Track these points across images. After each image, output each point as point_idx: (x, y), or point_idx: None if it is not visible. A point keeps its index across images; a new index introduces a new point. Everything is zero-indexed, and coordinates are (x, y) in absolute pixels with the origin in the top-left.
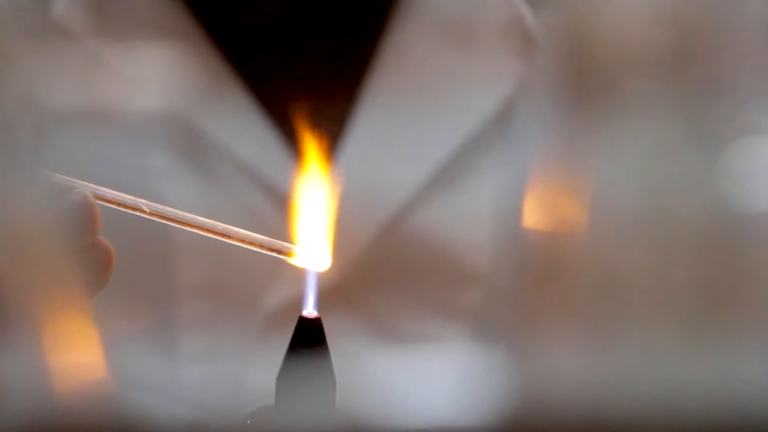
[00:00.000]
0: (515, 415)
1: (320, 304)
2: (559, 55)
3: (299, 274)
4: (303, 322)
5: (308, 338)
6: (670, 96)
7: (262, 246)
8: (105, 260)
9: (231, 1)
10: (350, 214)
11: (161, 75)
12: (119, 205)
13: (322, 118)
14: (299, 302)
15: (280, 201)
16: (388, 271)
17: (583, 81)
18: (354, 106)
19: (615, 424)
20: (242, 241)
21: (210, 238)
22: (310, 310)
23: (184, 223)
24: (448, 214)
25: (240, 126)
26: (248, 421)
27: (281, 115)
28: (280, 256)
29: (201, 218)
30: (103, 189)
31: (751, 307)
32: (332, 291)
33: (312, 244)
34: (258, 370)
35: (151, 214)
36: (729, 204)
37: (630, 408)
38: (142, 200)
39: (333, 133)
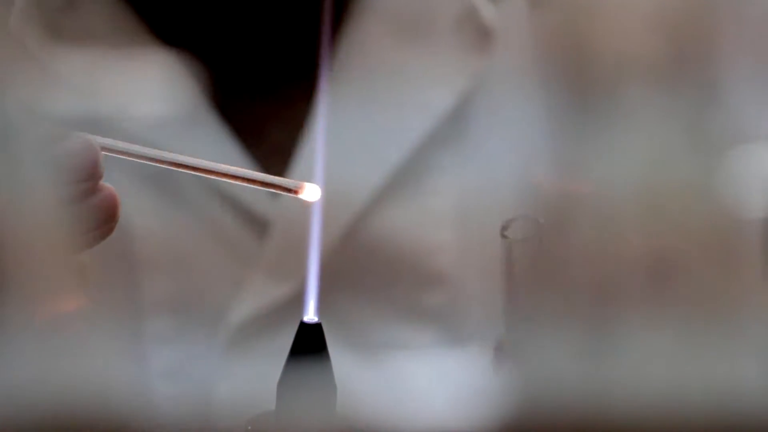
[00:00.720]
0: (510, 420)
1: (284, 311)
2: (557, 60)
3: (263, 286)
4: (303, 328)
5: (309, 344)
6: (668, 102)
7: (263, 183)
8: (108, 207)
9: (183, 13)
10: (311, 219)
11: (119, 92)
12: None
13: (281, 121)
14: (264, 315)
15: (247, 220)
16: (352, 275)
17: (581, 87)
18: (312, 108)
19: (609, 428)
20: (241, 179)
21: (173, 252)
22: (310, 317)
23: (177, 165)
24: (410, 214)
25: (204, 142)
26: (249, 427)
27: (241, 124)
28: (282, 192)
29: (196, 159)
30: (103, 139)
31: (750, 311)
32: (296, 297)
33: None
34: (226, 384)
35: (143, 158)
36: (728, 210)
37: (624, 412)
38: (148, 149)
39: (292, 136)
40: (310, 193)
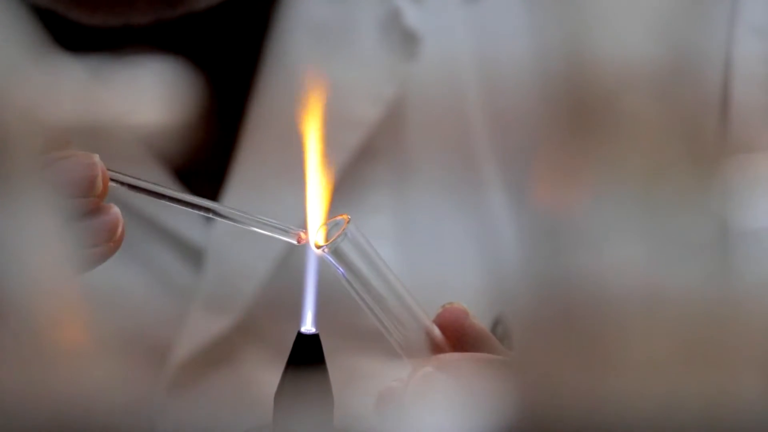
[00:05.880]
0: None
1: (225, 345)
2: (556, 73)
3: (203, 321)
4: (301, 339)
5: (306, 356)
6: (666, 114)
7: (266, 227)
8: (108, 228)
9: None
10: (246, 247)
11: (117, 101)
12: (128, 186)
13: (209, 143)
14: (206, 351)
15: (182, 251)
16: (291, 300)
17: (580, 99)
18: (240, 129)
19: None
20: (238, 221)
21: (110, 289)
22: (308, 327)
23: (178, 201)
24: None
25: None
26: None
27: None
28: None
29: (196, 197)
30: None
31: (749, 323)
32: (235, 330)
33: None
34: (169, 423)
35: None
36: (726, 220)
37: (624, 426)
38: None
39: (221, 159)
40: (304, 238)
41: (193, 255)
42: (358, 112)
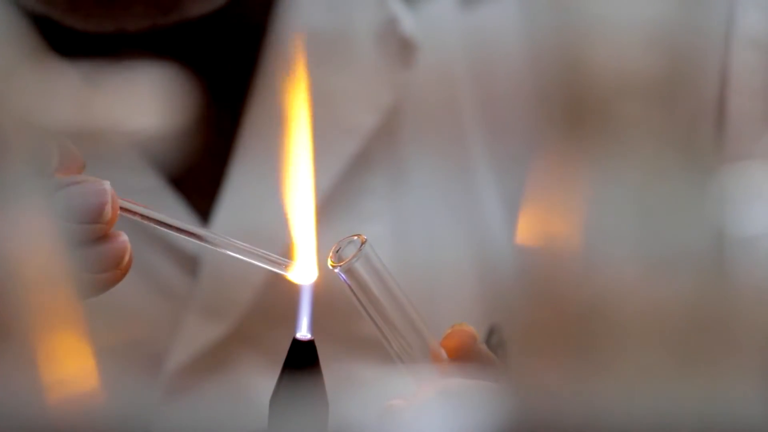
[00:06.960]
0: None
1: (219, 352)
2: (552, 80)
3: (198, 327)
4: (296, 344)
5: (301, 361)
6: (662, 121)
7: (258, 259)
8: (114, 255)
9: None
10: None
11: (113, 106)
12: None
13: (204, 149)
14: (200, 358)
15: (178, 258)
16: (286, 308)
17: (576, 106)
18: (236, 135)
19: None
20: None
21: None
22: (303, 333)
23: (183, 232)
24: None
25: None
26: None
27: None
28: (276, 270)
29: (204, 230)
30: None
31: (744, 331)
32: (230, 337)
33: (300, 258)
34: (165, 428)
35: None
36: (721, 228)
37: (615, 430)
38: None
39: (217, 165)
40: (302, 274)
41: (189, 262)
42: (354, 119)
